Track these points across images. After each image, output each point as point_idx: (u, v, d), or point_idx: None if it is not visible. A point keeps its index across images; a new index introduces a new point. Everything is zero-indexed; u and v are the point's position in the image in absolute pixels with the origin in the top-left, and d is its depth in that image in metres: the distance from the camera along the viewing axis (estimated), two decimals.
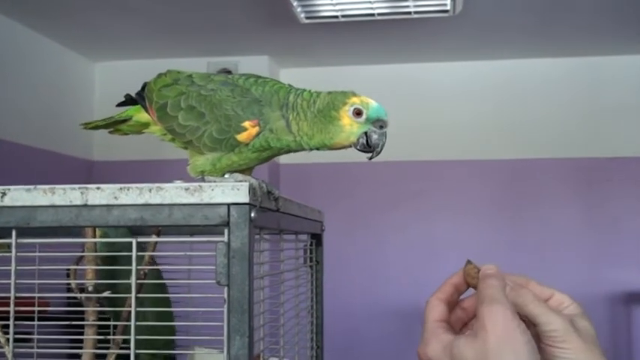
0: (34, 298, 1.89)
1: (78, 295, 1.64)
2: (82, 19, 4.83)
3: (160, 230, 1.61)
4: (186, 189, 1.21)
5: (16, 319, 1.28)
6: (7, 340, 1.30)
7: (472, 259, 1.05)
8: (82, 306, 1.74)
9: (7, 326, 1.28)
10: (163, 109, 1.49)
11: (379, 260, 5.77)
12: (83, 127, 1.63)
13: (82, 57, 5.79)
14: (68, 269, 1.82)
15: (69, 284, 1.76)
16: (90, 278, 1.62)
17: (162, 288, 1.93)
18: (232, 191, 1.20)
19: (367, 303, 5.75)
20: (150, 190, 1.21)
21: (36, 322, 1.70)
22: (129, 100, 1.76)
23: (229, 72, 5.73)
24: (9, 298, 1.27)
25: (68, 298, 2.74)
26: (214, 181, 1.33)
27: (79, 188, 1.21)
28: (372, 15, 4.30)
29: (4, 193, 1.22)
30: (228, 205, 1.20)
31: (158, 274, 1.95)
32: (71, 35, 5.22)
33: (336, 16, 4.34)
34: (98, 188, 1.21)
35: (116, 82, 5.99)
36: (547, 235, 5.64)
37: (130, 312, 1.26)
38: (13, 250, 1.24)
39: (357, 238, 5.77)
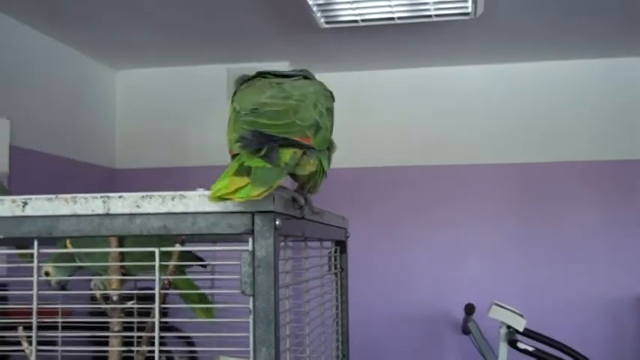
0: (56, 307, 1.88)
1: (103, 305, 1.62)
2: (104, 27, 4.85)
3: (184, 239, 1.59)
4: (210, 197, 1.18)
5: (39, 328, 1.26)
6: (31, 350, 1.28)
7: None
8: (106, 315, 1.73)
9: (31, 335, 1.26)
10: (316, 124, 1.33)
11: (403, 266, 5.73)
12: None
13: (104, 65, 5.82)
14: (91, 278, 1.81)
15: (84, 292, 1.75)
16: (114, 288, 1.61)
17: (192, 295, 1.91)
18: (257, 199, 1.17)
19: (392, 309, 5.70)
20: (173, 199, 1.18)
21: (60, 333, 1.69)
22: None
23: (250, 78, 5.73)
24: (31, 307, 1.25)
25: (91, 307, 2.73)
26: None
27: (101, 197, 1.19)
28: (392, 19, 4.28)
29: (25, 203, 1.20)
30: (253, 213, 1.17)
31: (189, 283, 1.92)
32: (93, 43, 5.25)
33: (356, 21, 4.32)
34: (120, 197, 1.19)
35: (137, 89, 6.02)
36: (569, 239, 5.57)
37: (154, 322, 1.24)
38: (35, 260, 1.22)
39: (380, 245, 5.74)
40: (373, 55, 5.53)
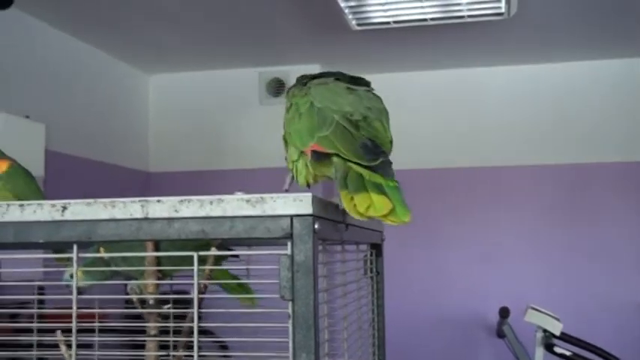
0: (93, 310, 1.88)
1: (140, 310, 1.62)
2: (137, 32, 4.89)
3: (220, 243, 1.58)
4: (248, 201, 1.17)
5: (77, 331, 1.26)
6: (70, 354, 1.28)
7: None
8: (142, 319, 1.73)
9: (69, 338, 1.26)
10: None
11: (438, 269, 5.68)
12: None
13: (137, 69, 5.87)
14: (127, 283, 1.81)
15: (122, 297, 1.75)
16: (151, 292, 1.61)
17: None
18: (295, 202, 1.16)
19: (427, 313, 5.66)
20: (211, 203, 1.18)
21: (97, 338, 1.69)
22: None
23: (281, 82, 5.74)
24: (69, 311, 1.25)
25: (126, 310, 2.74)
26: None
27: (140, 201, 1.19)
28: (425, 20, 4.24)
29: (64, 208, 1.20)
30: (291, 216, 1.16)
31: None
32: (126, 48, 5.29)
33: (388, 22, 4.29)
34: (159, 201, 1.19)
35: (170, 94, 6.06)
36: (607, 241, 5.49)
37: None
38: (75, 264, 1.22)
39: (415, 247, 5.70)
40: (405, 57, 5.50)
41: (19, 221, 1.21)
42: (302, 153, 1.39)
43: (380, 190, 1.20)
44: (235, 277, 1.90)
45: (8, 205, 1.21)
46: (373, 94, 1.47)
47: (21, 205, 1.21)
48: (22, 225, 1.21)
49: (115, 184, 5.37)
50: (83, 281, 1.75)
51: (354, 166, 1.24)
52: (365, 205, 1.18)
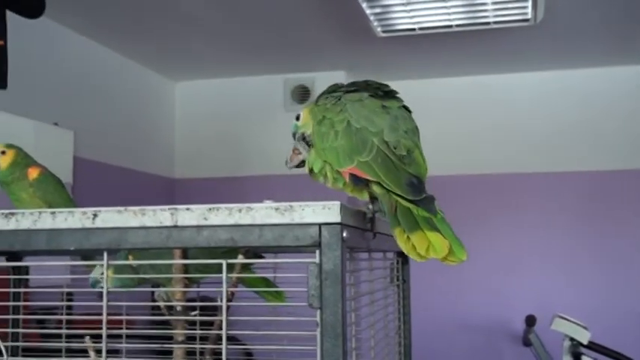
0: (120, 316, 1.90)
1: (167, 317, 1.63)
2: (163, 40, 4.93)
3: (247, 251, 1.59)
4: (277, 209, 1.18)
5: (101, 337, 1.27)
6: None
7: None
8: (169, 325, 1.74)
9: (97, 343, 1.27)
10: None
11: (464, 277, 5.64)
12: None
13: (163, 77, 5.92)
14: (155, 290, 1.82)
15: (154, 303, 1.76)
16: (178, 299, 1.62)
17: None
18: (323, 211, 1.16)
19: (452, 320, 5.63)
20: (240, 211, 1.18)
21: (124, 345, 1.70)
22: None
23: (306, 89, 5.75)
24: (96, 316, 1.26)
25: (153, 316, 2.76)
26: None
27: (169, 209, 1.20)
28: (450, 26, 4.22)
29: (95, 215, 1.21)
30: (320, 225, 1.16)
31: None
32: (153, 56, 5.34)
33: (413, 29, 4.28)
34: (188, 209, 1.19)
35: (196, 100, 6.10)
36: (634, 249, 5.42)
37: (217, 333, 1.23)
38: (105, 271, 1.23)
39: None
40: (430, 64, 5.49)
41: (51, 228, 1.22)
42: (337, 172, 1.39)
43: (432, 225, 1.22)
44: (263, 279, 1.91)
45: (40, 212, 1.23)
46: (405, 110, 1.47)
47: (53, 213, 1.22)
48: (54, 232, 1.22)
49: (141, 191, 5.41)
50: (112, 286, 1.76)
51: (401, 200, 1.26)
52: (424, 247, 1.20)
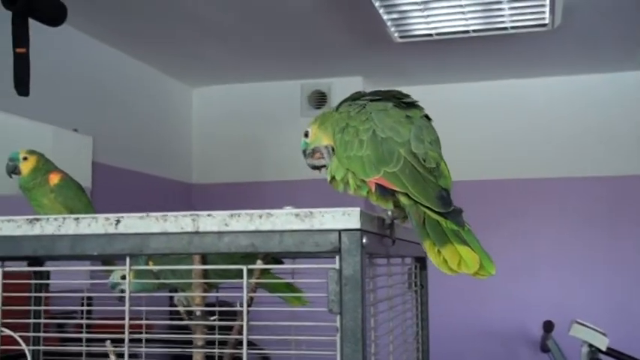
0: (140, 321, 1.91)
1: (187, 322, 1.64)
2: (181, 46, 4.97)
3: (266, 255, 1.59)
4: (297, 215, 1.19)
5: (121, 341, 1.28)
6: None
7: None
8: (188, 330, 1.75)
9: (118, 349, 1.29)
10: None
11: (481, 282, 5.60)
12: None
13: (181, 83, 5.95)
14: (174, 295, 1.84)
15: (172, 307, 1.77)
16: (198, 303, 1.63)
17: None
18: (343, 217, 1.17)
19: (469, 326, 5.60)
20: (260, 217, 1.19)
21: (144, 349, 1.72)
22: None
23: (323, 94, 5.77)
24: (116, 319, 1.27)
25: (170, 320, 2.77)
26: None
27: (190, 215, 1.21)
28: (467, 32, 4.22)
29: (118, 221, 1.23)
30: (339, 231, 1.17)
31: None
32: (170, 62, 5.38)
33: (430, 34, 4.28)
34: (209, 215, 1.21)
35: (213, 106, 6.13)
36: None
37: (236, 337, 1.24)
38: (128, 276, 1.25)
39: None
40: (447, 69, 5.48)
41: (75, 234, 1.24)
42: (362, 180, 1.39)
43: (461, 239, 1.23)
44: (281, 278, 1.92)
45: (64, 218, 1.24)
46: (427, 120, 1.48)
47: (76, 219, 1.24)
48: (78, 238, 1.24)
49: (159, 196, 5.45)
50: (132, 290, 1.77)
51: (429, 212, 1.27)
52: (456, 262, 1.21)
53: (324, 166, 1.52)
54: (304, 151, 1.56)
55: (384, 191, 1.35)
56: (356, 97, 1.51)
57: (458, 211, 1.27)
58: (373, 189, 1.36)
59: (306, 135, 1.55)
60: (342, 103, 1.51)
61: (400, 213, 1.39)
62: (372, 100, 1.46)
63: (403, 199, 1.32)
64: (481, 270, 1.22)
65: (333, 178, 1.45)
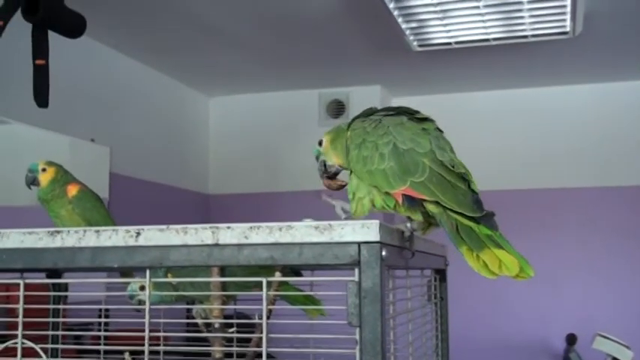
0: (158, 333, 1.90)
1: (205, 334, 1.63)
2: (197, 56, 4.99)
3: (285, 267, 1.59)
4: (316, 227, 1.18)
5: (142, 354, 1.27)
6: None
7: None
8: (206, 342, 1.74)
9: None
10: None
11: (502, 294, 5.57)
12: None
13: (197, 92, 5.97)
14: (192, 307, 1.83)
15: (189, 320, 1.77)
16: (216, 316, 1.62)
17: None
18: (362, 229, 1.16)
19: (490, 338, 5.55)
20: (280, 229, 1.18)
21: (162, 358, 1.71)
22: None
23: (341, 103, 5.76)
24: (134, 332, 1.27)
25: (187, 332, 2.77)
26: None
27: (210, 227, 1.21)
28: (487, 40, 4.20)
29: (138, 233, 1.22)
30: (359, 243, 1.16)
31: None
32: (187, 71, 5.40)
33: (449, 43, 4.26)
34: (229, 227, 1.20)
35: (230, 116, 6.14)
36: None
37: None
38: (148, 289, 1.24)
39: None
40: (467, 77, 5.46)
41: (95, 246, 1.24)
42: (386, 194, 1.38)
43: (495, 243, 1.24)
44: (300, 290, 1.91)
45: (85, 230, 1.24)
46: (439, 131, 1.47)
47: (97, 231, 1.24)
48: (98, 250, 1.24)
49: (176, 206, 5.45)
50: (151, 302, 1.77)
51: (461, 218, 1.27)
52: (496, 265, 1.22)
53: (335, 173, 1.53)
54: (317, 157, 1.58)
55: (412, 202, 1.34)
56: (369, 112, 1.50)
57: (490, 214, 1.28)
58: (400, 200, 1.35)
59: (320, 143, 1.57)
60: (355, 120, 1.51)
61: (420, 224, 1.37)
62: (385, 115, 1.46)
63: (432, 208, 1.31)
64: (521, 272, 1.23)
65: (353, 195, 1.44)
